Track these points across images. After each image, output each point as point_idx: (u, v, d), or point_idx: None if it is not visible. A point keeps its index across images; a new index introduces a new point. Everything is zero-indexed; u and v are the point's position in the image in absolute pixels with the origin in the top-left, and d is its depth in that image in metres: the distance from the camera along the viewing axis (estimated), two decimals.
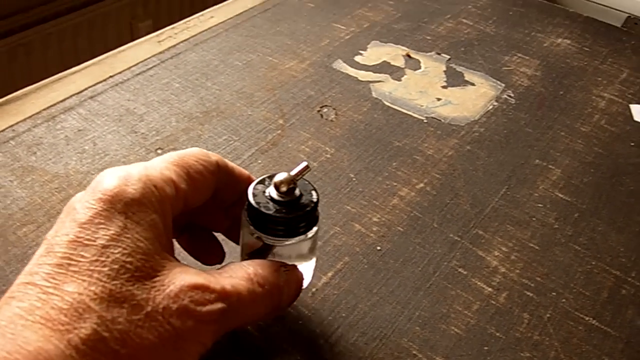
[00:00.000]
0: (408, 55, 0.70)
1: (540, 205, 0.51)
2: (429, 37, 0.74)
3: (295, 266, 0.35)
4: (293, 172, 0.33)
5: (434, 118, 0.60)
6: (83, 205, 0.28)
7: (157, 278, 0.28)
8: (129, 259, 0.27)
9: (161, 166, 0.31)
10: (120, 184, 0.29)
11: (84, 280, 0.26)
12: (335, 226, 0.48)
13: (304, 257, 0.37)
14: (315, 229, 0.35)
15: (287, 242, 0.34)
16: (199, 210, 0.36)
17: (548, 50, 0.74)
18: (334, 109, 0.60)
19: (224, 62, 0.66)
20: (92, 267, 0.26)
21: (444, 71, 0.68)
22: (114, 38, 1.64)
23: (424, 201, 0.51)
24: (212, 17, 0.75)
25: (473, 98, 0.64)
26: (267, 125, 0.57)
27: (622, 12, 1.03)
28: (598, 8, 1.05)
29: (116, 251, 0.27)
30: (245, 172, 0.37)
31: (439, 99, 0.63)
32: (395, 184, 0.52)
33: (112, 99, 0.59)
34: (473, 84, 0.66)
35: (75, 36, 1.58)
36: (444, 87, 0.65)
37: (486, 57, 0.71)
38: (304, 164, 0.34)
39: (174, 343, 0.27)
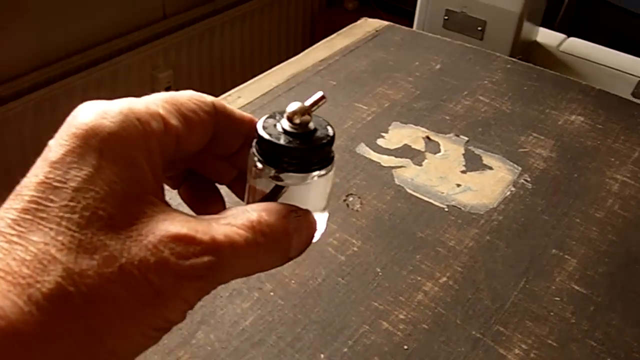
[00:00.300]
0: (428, 138, 0.73)
1: (557, 298, 0.54)
2: (447, 117, 0.77)
3: (308, 211, 0.30)
4: (307, 103, 0.30)
5: (455, 206, 0.63)
6: (56, 142, 0.25)
7: (135, 227, 0.24)
8: (102, 205, 0.24)
9: (148, 100, 0.28)
10: (97, 117, 0.25)
11: (51, 229, 0.23)
12: (364, 324, 0.51)
13: (317, 206, 0.32)
14: (332, 170, 0.31)
15: (300, 180, 0.30)
16: (201, 159, 0.33)
17: (562, 129, 0.77)
18: (359, 197, 0.64)
19: None
20: (60, 214, 0.23)
21: (463, 154, 0.71)
22: (136, 89, 1.69)
23: (447, 296, 0.53)
24: (239, 97, 0.79)
25: (491, 184, 0.67)
26: None
27: (634, 75, 1.06)
28: (609, 72, 1.08)
29: (88, 195, 0.24)
30: (248, 115, 0.33)
31: (458, 185, 0.66)
32: (419, 278, 0.55)
33: None
34: (491, 168, 0.69)
35: (98, 88, 1.63)
36: (463, 171, 0.68)
37: (503, 137, 0.74)
38: (320, 93, 0.31)
39: (152, 300, 0.23)
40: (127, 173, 0.25)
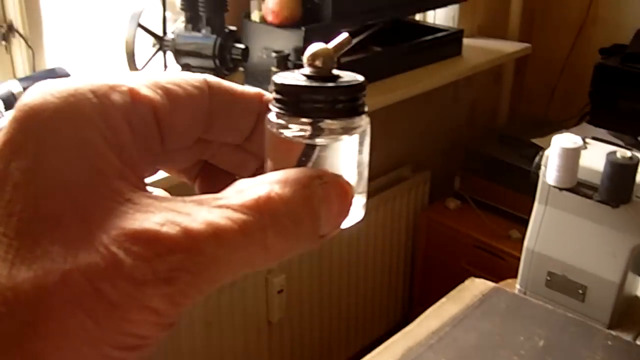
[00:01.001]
0: None
1: None
2: None
3: (338, 175, 0.25)
4: (330, 45, 0.26)
5: None
6: (3, 129, 0.21)
7: (86, 225, 0.20)
8: (44, 201, 0.20)
9: (112, 75, 0.23)
10: (41, 96, 0.21)
11: None
12: None
13: (351, 181, 0.26)
14: (367, 131, 0.26)
15: (331, 133, 0.25)
16: (213, 147, 0.28)
17: None
18: None
19: None
20: None
21: None
22: (250, 293, 1.83)
23: None
24: None
25: None
26: None
27: None
28: None
29: (28, 192, 0.20)
30: (253, 89, 0.28)
31: None
32: None
33: None
34: None
35: (209, 295, 1.79)
36: None
37: None
38: (345, 34, 0.27)
39: (108, 315, 0.19)
40: (76, 159, 0.21)
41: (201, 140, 0.27)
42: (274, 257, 0.22)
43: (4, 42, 1.27)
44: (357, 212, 0.26)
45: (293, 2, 1.46)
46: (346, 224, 0.25)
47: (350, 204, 0.24)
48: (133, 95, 0.23)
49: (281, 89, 0.25)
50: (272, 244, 0.22)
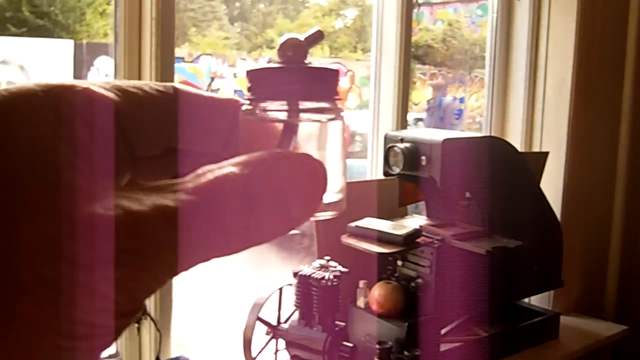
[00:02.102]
0: None
1: None
2: None
3: (306, 155, 0.24)
4: (302, 37, 0.26)
5: None
6: None
7: (30, 211, 0.19)
8: None
9: (66, 79, 0.23)
10: None
11: None
12: None
13: (327, 160, 0.26)
14: (342, 115, 0.26)
15: (306, 111, 0.25)
16: (190, 158, 0.26)
17: None
18: None
19: None
20: None
21: None
22: None
23: None
24: None
25: None
26: None
27: None
28: None
29: None
30: (227, 97, 0.27)
31: None
32: None
33: None
34: None
35: None
36: None
37: None
38: (316, 28, 0.27)
39: (52, 300, 0.18)
40: (27, 153, 0.20)
41: (176, 150, 0.26)
42: (238, 239, 0.21)
43: (136, 324, 1.42)
44: (336, 202, 0.26)
45: (397, 294, 1.56)
46: (324, 213, 0.25)
47: (321, 184, 0.23)
48: (88, 94, 0.22)
49: (253, 75, 0.26)
50: (231, 226, 0.21)
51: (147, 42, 1.44)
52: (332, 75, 0.26)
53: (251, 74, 0.26)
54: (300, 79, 0.25)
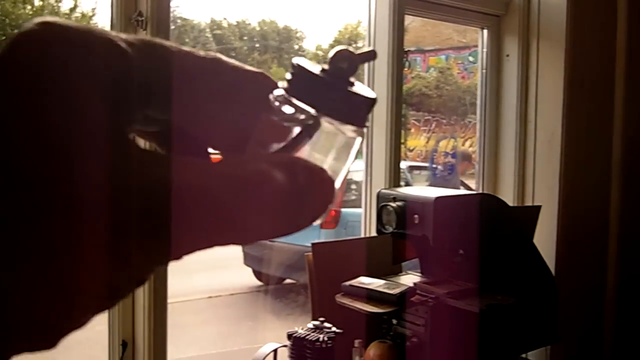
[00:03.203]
0: None
1: None
2: None
3: (322, 169, 0.24)
4: (357, 52, 0.26)
5: None
6: None
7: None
8: None
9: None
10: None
11: None
12: None
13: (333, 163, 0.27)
14: (360, 139, 0.26)
15: (324, 129, 0.25)
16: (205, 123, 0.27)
17: None
18: None
19: None
20: None
21: None
22: None
23: None
24: None
25: None
26: None
27: None
28: None
29: None
30: (256, 71, 0.28)
31: None
32: None
33: None
34: None
35: None
36: None
37: None
38: (371, 48, 0.27)
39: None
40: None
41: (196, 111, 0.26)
42: (251, 227, 0.22)
43: None
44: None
45: (392, 354, 1.56)
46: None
47: (330, 201, 0.24)
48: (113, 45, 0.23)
49: (299, 71, 0.26)
50: (265, 203, 0.22)
51: None
52: (369, 104, 0.26)
53: (297, 69, 0.26)
54: (340, 99, 0.25)
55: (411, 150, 5.55)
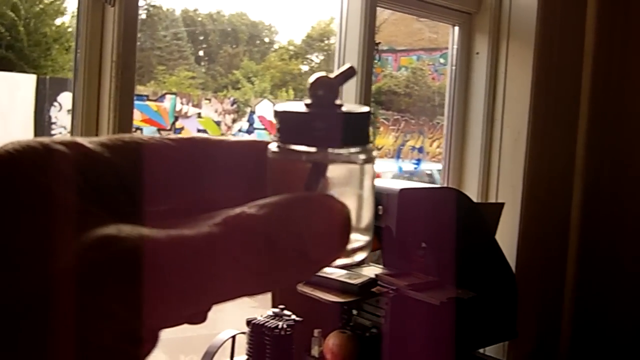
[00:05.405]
0: None
1: None
2: None
3: (328, 196, 0.23)
4: (333, 75, 0.25)
5: None
6: None
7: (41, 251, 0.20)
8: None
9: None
10: None
11: None
12: None
13: (354, 205, 0.25)
14: (373, 157, 0.25)
15: (332, 160, 0.24)
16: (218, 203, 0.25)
17: None
18: None
19: None
20: None
21: None
22: None
23: None
24: None
25: None
26: None
27: None
28: None
29: None
30: (246, 139, 0.27)
31: None
32: None
33: None
34: None
35: None
36: None
37: None
38: (348, 65, 0.25)
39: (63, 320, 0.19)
40: (38, 205, 0.21)
41: (202, 200, 0.25)
42: (255, 279, 0.21)
43: None
44: (358, 249, 0.25)
45: (351, 344, 1.55)
46: (344, 260, 0.24)
47: (342, 226, 0.22)
48: (78, 150, 0.23)
49: (282, 117, 0.25)
50: (244, 260, 0.20)
51: (106, 84, 1.43)
52: (363, 119, 0.25)
53: (280, 116, 0.25)
54: (331, 125, 0.24)
55: (379, 149, 5.57)
